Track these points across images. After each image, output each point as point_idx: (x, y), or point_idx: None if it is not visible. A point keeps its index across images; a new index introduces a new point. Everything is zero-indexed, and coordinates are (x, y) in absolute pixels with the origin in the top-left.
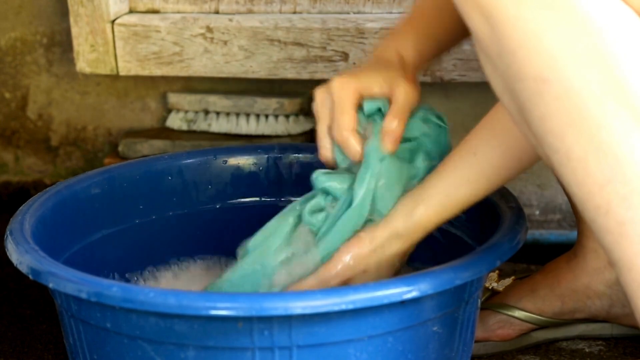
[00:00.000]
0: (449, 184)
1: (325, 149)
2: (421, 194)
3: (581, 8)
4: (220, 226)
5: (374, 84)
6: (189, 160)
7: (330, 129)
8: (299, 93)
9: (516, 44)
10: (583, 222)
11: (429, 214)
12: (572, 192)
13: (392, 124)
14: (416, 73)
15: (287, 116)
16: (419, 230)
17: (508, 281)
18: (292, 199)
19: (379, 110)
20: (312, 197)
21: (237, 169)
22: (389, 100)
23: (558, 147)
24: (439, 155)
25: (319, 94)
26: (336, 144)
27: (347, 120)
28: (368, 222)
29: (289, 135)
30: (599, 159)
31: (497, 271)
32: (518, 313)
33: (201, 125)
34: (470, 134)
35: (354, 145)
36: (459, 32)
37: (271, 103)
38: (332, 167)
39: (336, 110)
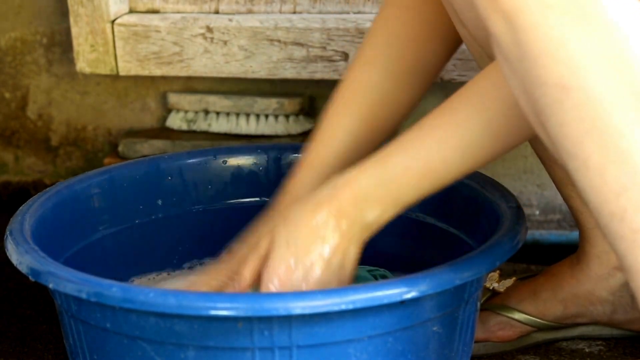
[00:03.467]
0: (384, 152)
1: None
2: (384, 148)
3: (606, 16)
4: (220, 226)
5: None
6: (189, 160)
7: None
8: (299, 93)
9: (538, 50)
10: (585, 228)
11: (354, 176)
12: (587, 198)
13: None
14: None
15: (287, 116)
16: (343, 195)
17: (509, 282)
18: None
19: None
20: None
21: (237, 169)
22: None
23: (576, 154)
24: None
25: None
26: None
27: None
28: None
29: (289, 135)
30: (617, 167)
31: (497, 271)
32: (519, 315)
33: (201, 125)
34: (447, 101)
35: None
36: (365, 155)
37: (271, 103)
38: None
39: None
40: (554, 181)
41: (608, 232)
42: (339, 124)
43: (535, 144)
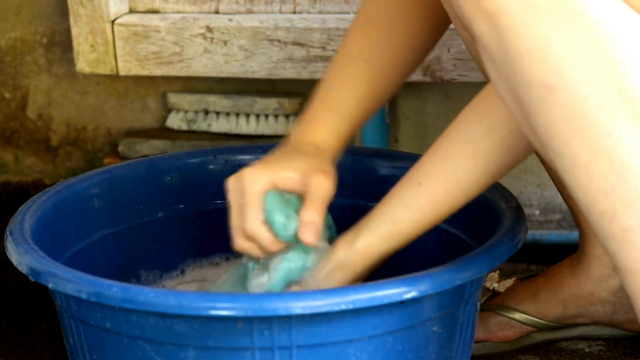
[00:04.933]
0: (393, 212)
1: (240, 242)
2: (364, 223)
3: (590, 15)
4: (220, 226)
5: (288, 175)
6: (189, 160)
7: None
8: (299, 93)
9: (523, 50)
10: (585, 229)
11: (370, 242)
12: (576, 197)
13: (310, 216)
14: (333, 161)
15: (287, 116)
16: (362, 260)
17: (509, 282)
18: None
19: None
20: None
21: (237, 169)
22: (304, 193)
23: (563, 153)
24: None
25: (231, 185)
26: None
27: (254, 214)
28: None
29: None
30: (604, 166)
31: (497, 271)
32: (519, 316)
33: (201, 125)
34: (416, 164)
35: (263, 237)
36: (375, 109)
37: (271, 103)
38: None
39: (246, 203)
40: (553, 181)
41: (599, 231)
42: (349, 73)
43: None
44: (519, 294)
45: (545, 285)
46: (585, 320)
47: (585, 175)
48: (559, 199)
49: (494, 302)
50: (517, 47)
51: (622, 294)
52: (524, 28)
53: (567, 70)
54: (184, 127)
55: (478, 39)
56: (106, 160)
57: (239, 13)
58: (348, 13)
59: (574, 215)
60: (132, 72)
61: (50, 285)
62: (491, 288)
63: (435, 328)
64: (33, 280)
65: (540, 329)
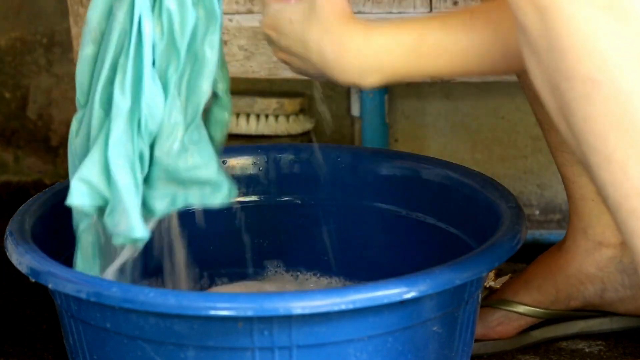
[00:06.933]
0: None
1: None
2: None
3: (639, 11)
4: (219, 226)
5: None
6: None
7: None
8: (299, 93)
9: (568, 43)
10: (574, 199)
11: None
12: (606, 194)
13: None
14: None
15: (287, 116)
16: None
17: (505, 279)
18: (292, 198)
19: None
20: None
21: (237, 169)
22: None
23: (599, 149)
24: None
25: None
26: None
27: None
28: None
29: (289, 135)
30: None
31: (494, 270)
32: (516, 307)
33: None
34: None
35: None
36: None
37: (271, 103)
38: None
39: None
40: (549, 146)
41: (625, 228)
42: None
43: (535, 106)
44: (513, 286)
45: (536, 272)
46: (578, 302)
47: (620, 172)
48: (559, 198)
49: (491, 299)
50: (563, 40)
51: (609, 269)
52: (572, 21)
53: (613, 65)
54: None
55: (522, 28)
56: None
57: (239, 13)
58: None
59: (565, 183)
60: None
61: (50, 285)
62: (488, 286)
63: (435, 328)
64: (33, 280)
65: (538, 318)
